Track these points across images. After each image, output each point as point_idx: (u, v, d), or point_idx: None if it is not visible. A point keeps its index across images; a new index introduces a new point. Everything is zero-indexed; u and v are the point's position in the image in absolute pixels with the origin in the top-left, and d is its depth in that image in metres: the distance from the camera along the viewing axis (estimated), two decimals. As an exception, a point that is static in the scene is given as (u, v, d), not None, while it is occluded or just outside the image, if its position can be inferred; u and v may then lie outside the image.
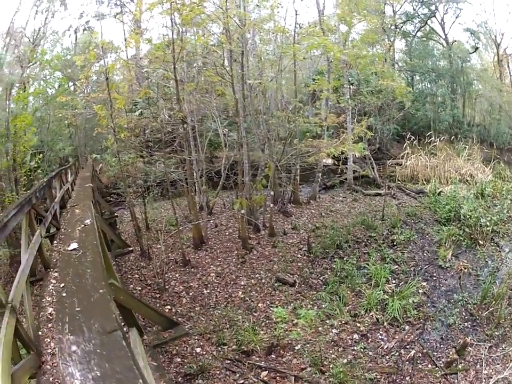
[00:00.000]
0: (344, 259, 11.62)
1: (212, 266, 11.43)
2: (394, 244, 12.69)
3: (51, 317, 4.72)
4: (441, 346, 8.32)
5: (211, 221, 14.28)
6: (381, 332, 8.69)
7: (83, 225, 7.03)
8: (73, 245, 6.00)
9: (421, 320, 9.03)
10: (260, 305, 9.78)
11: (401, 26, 28.76)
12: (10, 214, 4.41)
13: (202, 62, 14.69)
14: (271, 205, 13.67)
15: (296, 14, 14.27)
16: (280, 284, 10.50)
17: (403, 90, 18.83)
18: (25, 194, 6.46)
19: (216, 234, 13.81)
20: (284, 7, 17.23)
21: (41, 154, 18.64)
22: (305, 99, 20.55)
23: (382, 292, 9.73)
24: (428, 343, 8.41)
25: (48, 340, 4.30)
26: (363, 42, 21.36)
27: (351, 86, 20.22)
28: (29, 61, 16.49)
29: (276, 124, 13.93)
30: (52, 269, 6.27)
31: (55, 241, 7.93)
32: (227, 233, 13.87)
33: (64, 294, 4.99)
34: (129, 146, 12.85)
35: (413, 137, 23.42)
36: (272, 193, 13.47)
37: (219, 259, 11.76)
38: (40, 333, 4.42)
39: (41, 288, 5.77)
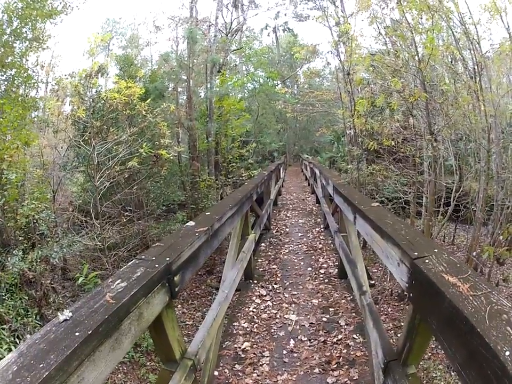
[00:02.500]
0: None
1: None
2: None
3: (244, 356, 3.51)
4: None
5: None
6: None
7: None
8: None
9: None
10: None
11: None
12: (226, 216, 3.12)
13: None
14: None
15: None
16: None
17: None
18: (244, 188, 5.36)
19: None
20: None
21: (253, 144, 17.62)
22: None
23: None
24: None
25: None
26: None
27: None
28: (226, 50, 15.89)
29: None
30: (255, 281, 5.29)
31: (262, 244, 7.10)
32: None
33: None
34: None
35: None
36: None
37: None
38: (216, 372, 3.19)
39: (234, 306, 4.62)
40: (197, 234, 2.26)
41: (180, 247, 1.96)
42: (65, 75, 10.53)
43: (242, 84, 21.58)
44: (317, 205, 10.90)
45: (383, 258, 2.31)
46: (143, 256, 1.76)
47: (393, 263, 2.02)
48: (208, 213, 2.96)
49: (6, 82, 7.80)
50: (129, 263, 1.66)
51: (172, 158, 12.65)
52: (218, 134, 12.68)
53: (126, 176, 6.72)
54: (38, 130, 10.50)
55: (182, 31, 13.95)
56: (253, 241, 4.88)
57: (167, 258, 1.75)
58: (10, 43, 7.71)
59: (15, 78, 7.78)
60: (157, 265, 1.64)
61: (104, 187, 6.17)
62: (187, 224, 2.55)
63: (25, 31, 8.09)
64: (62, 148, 10.95)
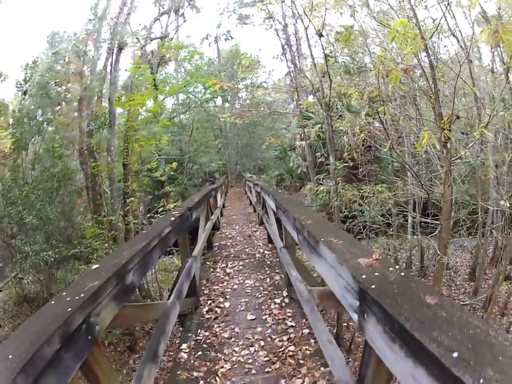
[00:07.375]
0: None
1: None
2: None
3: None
4: None
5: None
6: None
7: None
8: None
9: None
10: None
11: None
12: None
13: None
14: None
15: None
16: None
17: None
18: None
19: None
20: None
21: (190, 164, 14.21)
22: None
23: None
24: None
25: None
26: None
27: None
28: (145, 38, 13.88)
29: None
30: None
31: (183, 347, 3.83)
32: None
33: None
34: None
35: None
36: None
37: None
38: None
39: None
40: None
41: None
42: None
43: (176, 91, 18.51)
44: (269, 245, 7.83)
45: None
46: None
47: None
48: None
49: None
50: None
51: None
52: (125, 149, 9.00)
53: None
54: None
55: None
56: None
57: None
58: None
59: None
60: None
61: None
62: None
63: None
64: None
